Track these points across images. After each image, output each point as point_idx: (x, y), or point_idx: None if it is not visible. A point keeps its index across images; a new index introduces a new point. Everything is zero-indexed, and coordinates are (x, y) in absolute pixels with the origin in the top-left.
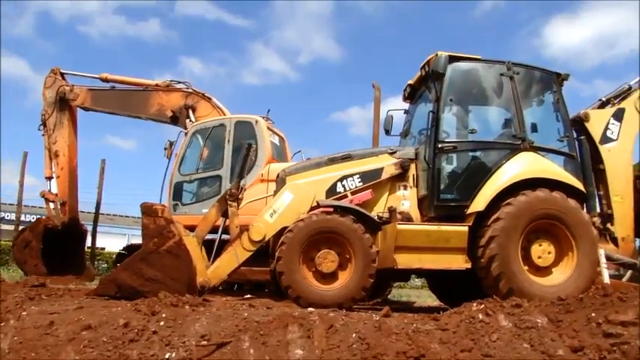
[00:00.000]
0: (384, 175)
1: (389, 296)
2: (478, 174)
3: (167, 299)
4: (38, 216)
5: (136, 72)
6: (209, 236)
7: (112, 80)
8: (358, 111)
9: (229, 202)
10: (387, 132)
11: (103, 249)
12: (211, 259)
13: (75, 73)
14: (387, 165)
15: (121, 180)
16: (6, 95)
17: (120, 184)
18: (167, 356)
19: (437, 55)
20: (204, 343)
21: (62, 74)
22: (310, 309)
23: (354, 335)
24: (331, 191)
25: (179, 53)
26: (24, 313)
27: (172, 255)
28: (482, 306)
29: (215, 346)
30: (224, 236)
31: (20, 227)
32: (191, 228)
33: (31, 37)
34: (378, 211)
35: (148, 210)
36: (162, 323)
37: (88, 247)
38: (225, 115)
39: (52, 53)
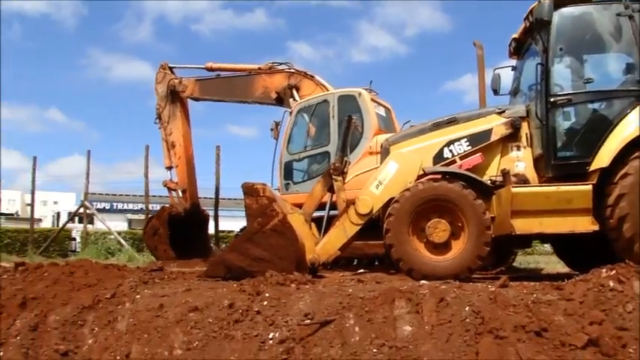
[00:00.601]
0: (494, 137)
1: (513, 264)
2: (599, 127)
3: (273, 278)
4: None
5: (247, 62)
6: (319, 213)
7: (217, 69)
8: (471, 78)
9: (334, 177)
10: (495, 92)
11: (231, 232)
12: (321, 236)
13: (182, 66)
14: (497, 125)
15: (246, 165)
16: (133, 97)
17: (245, 170)
18: (270, 336)
19: (539, 2)
20: (308, 321)
21: (171, 68)
22: (423, 281)
23: (467, 308)
24: (438, 157)
25: (287, 39)
26: (138, 296)
27: (277, 233)
28: (614, 272)
29: (318, 324)
30: (333, 212)
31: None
32: None
33: (150, 41)
34: (490, 174)
35: (249, 190)
36: (265, 303)
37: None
38: (328, 91)
39: (170, 53)
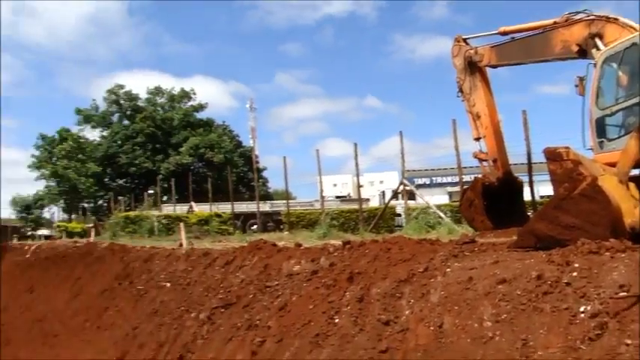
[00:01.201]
0: None
1: None
2: None
3: (584, 247)
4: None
5: (547, 19)
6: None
7: (510, 32)
8: None
9: None
10: None
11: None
12: None
13: (475, 35)
14: None
15: (562, 124)
16: (438, 73)
17: (563, 128)
18: (582, 309)
19: None
20: (623, 294)
21: (465, 40)
22: None
23: None
24: None
25: None
26: (448, 269)
27: (587, 198)
28: None
29: (635, 298)
30: None
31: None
32: None
33: (446, 16)
34: None
35: (552, 155)
36: (575, 274)
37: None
38: (637, 32)
39: (467, 23)
